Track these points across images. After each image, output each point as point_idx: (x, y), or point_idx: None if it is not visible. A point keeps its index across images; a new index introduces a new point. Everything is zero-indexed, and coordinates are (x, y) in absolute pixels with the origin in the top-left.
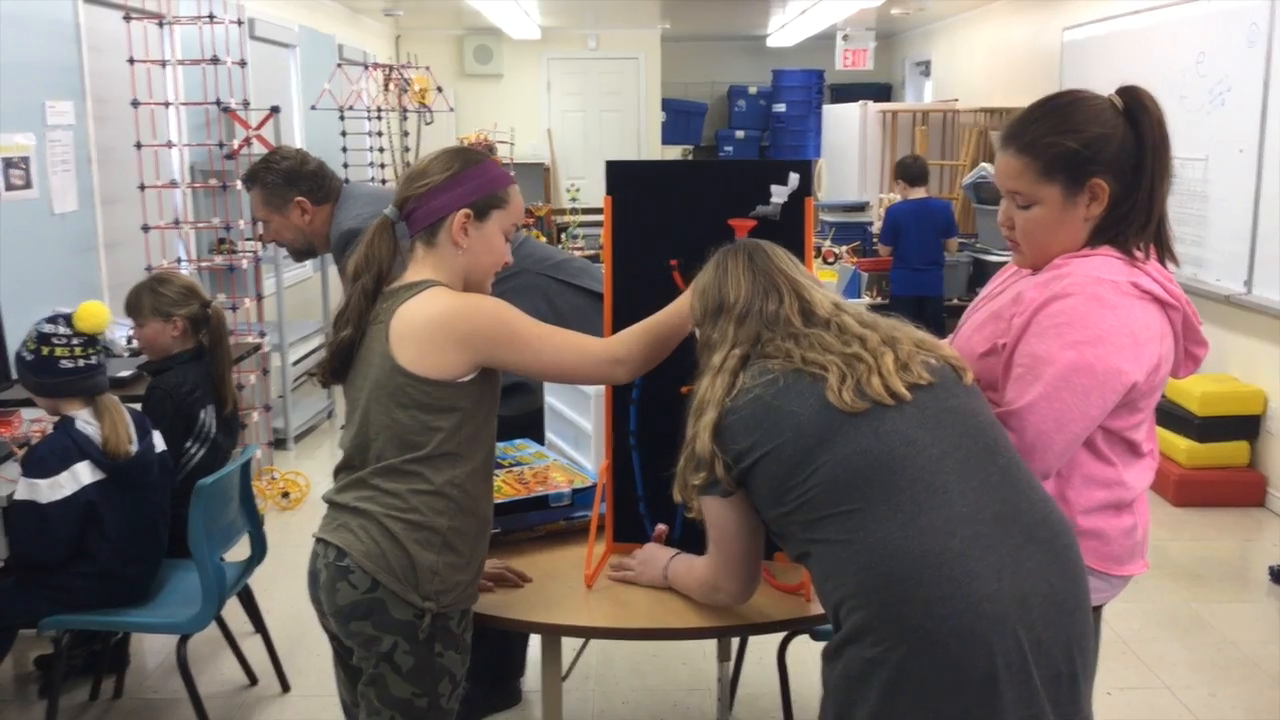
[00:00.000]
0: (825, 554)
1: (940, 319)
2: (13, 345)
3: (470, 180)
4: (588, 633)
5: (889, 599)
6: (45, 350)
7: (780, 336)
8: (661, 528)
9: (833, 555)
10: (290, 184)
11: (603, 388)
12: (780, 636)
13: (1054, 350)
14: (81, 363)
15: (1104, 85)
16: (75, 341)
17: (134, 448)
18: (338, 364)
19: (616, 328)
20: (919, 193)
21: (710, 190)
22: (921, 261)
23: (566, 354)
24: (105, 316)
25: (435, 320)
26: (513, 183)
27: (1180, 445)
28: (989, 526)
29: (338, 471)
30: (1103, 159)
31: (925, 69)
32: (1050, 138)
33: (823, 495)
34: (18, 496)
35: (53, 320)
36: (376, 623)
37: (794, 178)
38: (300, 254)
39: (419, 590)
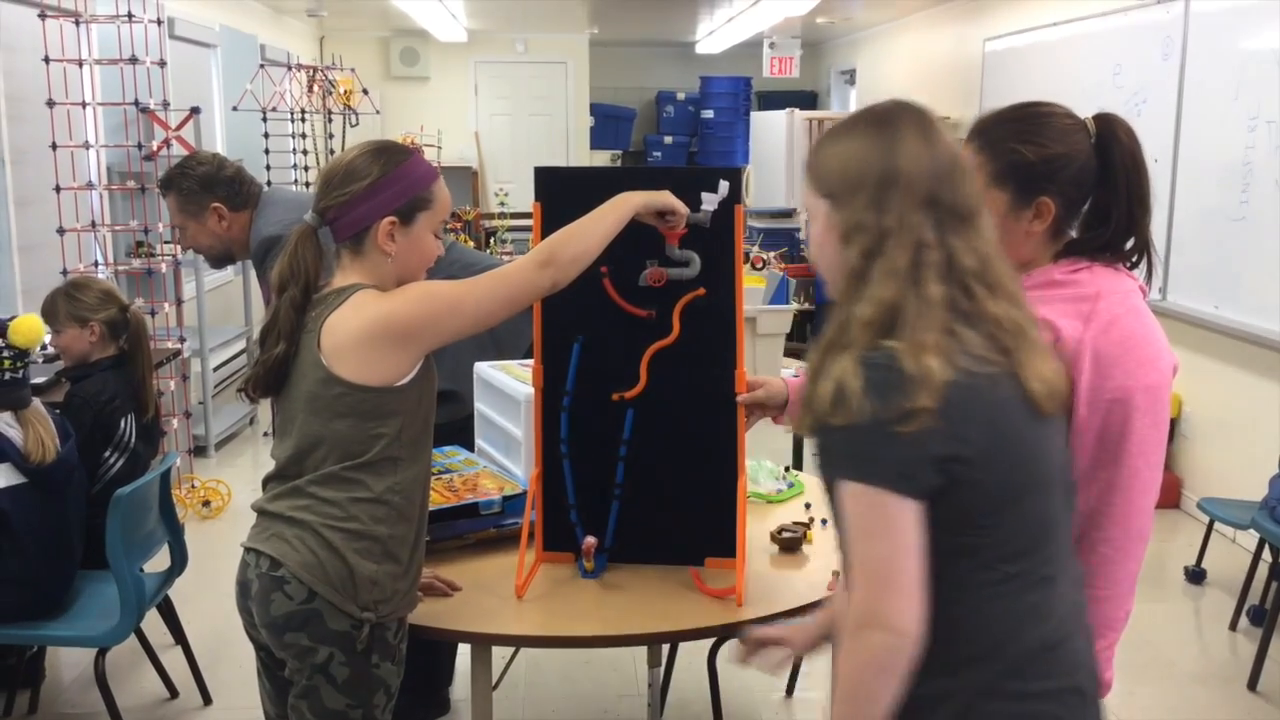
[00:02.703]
0: (984, 601)
1: None
2: None
3: (393, 185)
4: (519, 642)
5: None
6: None
7: (970, 276)
8: (590, 540)
9: (992, 606)
10: (206, 190)
11: (532, 392)
12: (710, 642)
13: (1134, 378)
14: (8, 375)
15: (1024, 94)
16: (5, 354)
17: (56, 453)
18: (271, 379)
19: (546, 337)
20: None
21: None
22: None
23: (498, 289)
24: (40, 331)
25: (369, 327)
26: (437, 178)
27: None
28: (1077, 594)
29: (268, 480)
30: (1058, 179)
31: (850, 78)
32: (1011, 143)
33: (1015, 533)
34: None
35: None
36: (312, 634)
37: (724, 185)
38: (218, 260)
39: (357, 600)
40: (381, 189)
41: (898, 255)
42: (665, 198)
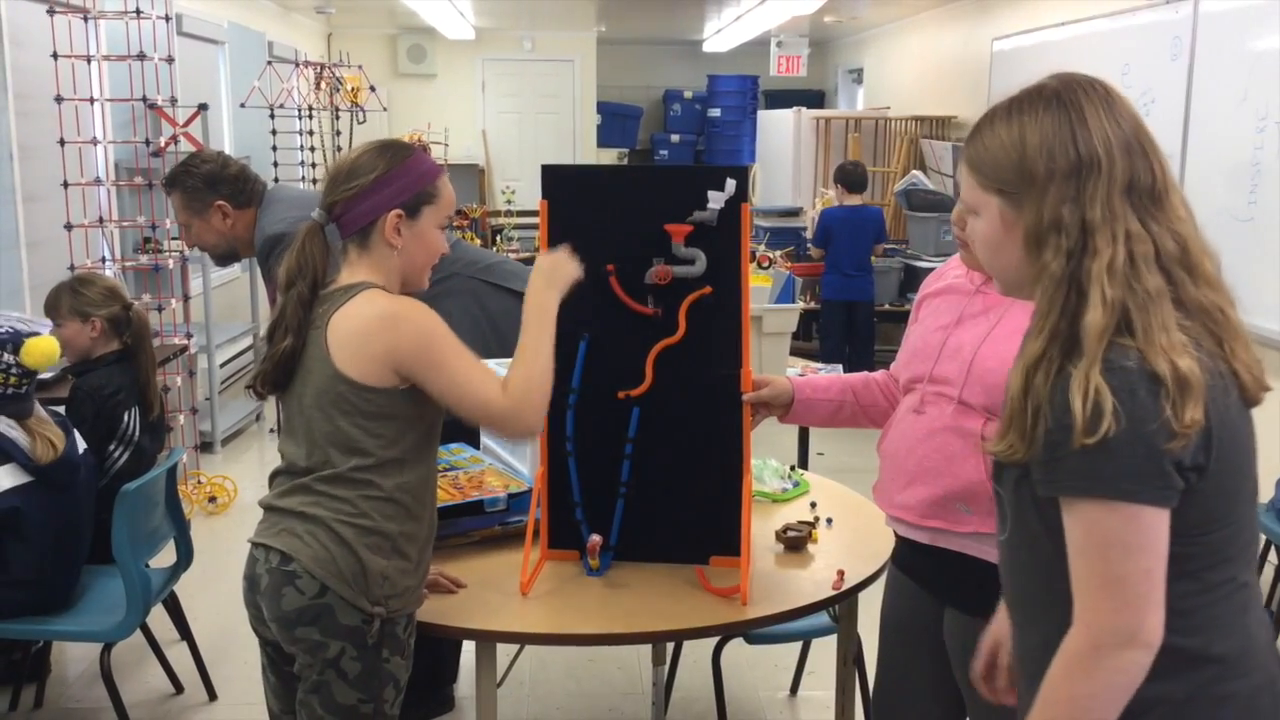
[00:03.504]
0: (1198, 608)
1: (871, 324)
2: None
3: (399, 179)
4: (524, 639)
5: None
6: None
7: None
8: (596, 538)
9: (1207, 612)
10: (211, 188)
11: None
12: (715, 640)
13: None
14: (11, 390)
15: None
16: (14, 372)
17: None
18: (280, 375)
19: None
20: (855, 199)
21: (647, 196)
22: (853, 267)
23: (478, 392)
24: (54, 357)
25: (368, 326)
26: (442, 173)
27: None
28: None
29: (275, 476)
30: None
31: (858, 76)
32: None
33: (1227, 541)
34: None
35: (1, 344)
36: (324, 628)
37: (730, 184)
38: (223, 258)
39: (368, 595)
40: (387, 183)
41: (1111, 251)
42: (569, 274)
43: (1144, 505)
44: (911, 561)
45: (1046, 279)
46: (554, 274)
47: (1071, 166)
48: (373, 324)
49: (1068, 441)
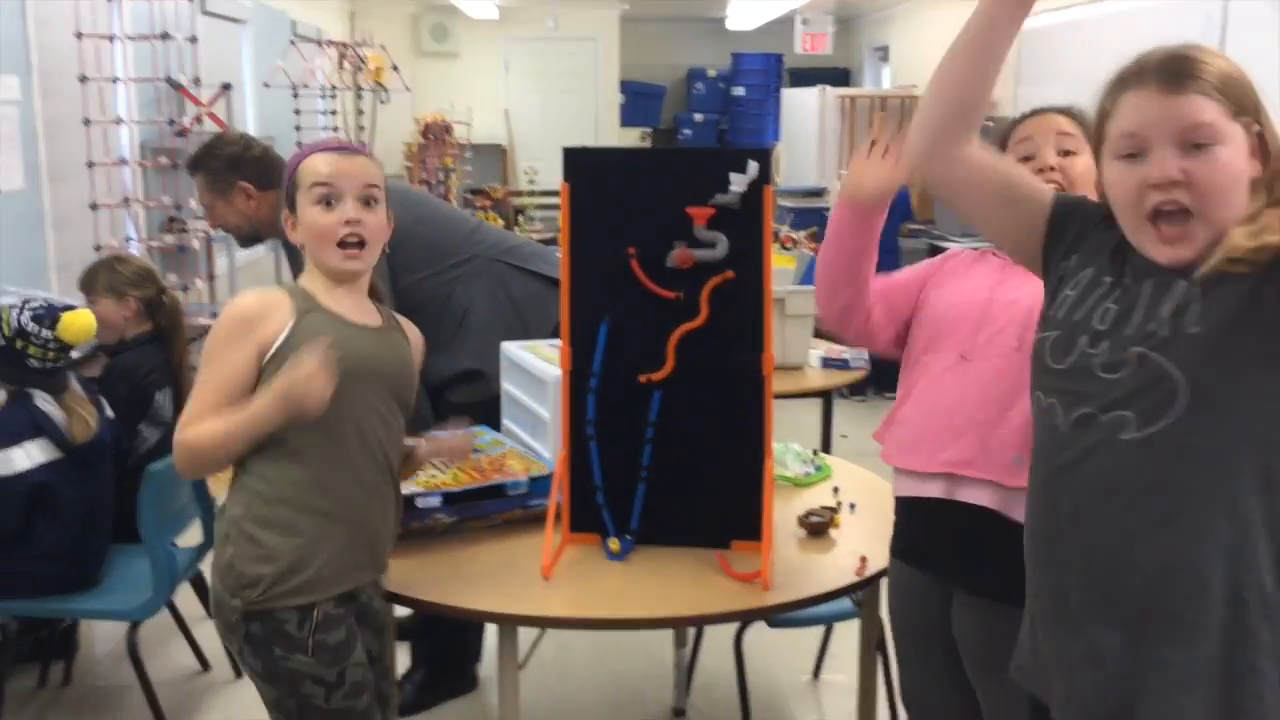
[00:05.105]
0: None
1: None
2: None
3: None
4: (544, 623)
5: None
6: (19, 344)
7: None
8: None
9: None
10: (234, 169)
11: (560, 374)
12: (737, 624)
13: None
14: (49, 365)
15: (1063, 73)
16: (51, 346)
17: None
18: None
19: (573, 317)
20: None
21: (668, 178)
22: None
23: (185, 408)
24: (91, 330)
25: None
26: (303, 157)
27: None
28: None
29: None
30: None
31: (884, 54)
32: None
33: None
34: None
35: (39, 319)
36: (220, 623)
37: (753, 166)
38: (246, 240)
39: (225, 586)
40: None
41: None
42: (309, 402)
43: None
44: (922, 541)
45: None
46: (292, 394)
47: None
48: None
49: None
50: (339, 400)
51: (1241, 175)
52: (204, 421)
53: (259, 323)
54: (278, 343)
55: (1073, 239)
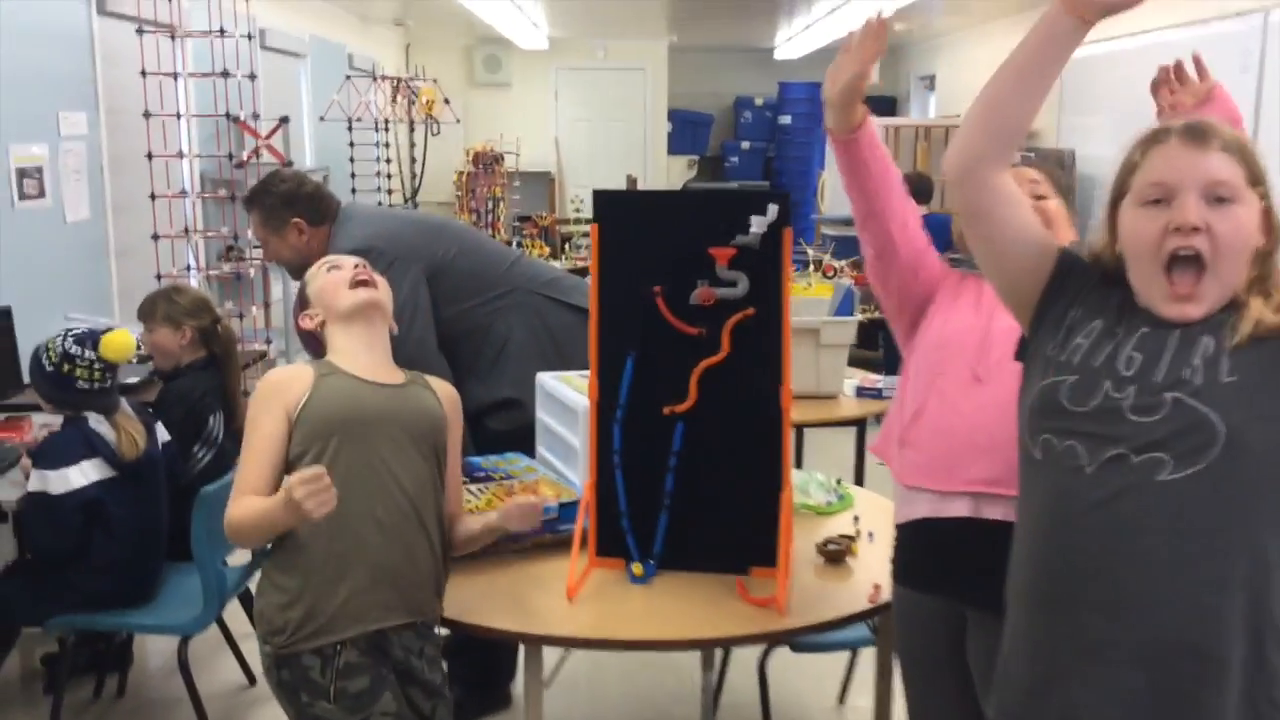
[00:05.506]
0: None
1: None
2: (24, 349)
3: None
4: (569, 642)
5: None
6: (66, 368)
7: None
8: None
9: None
10: (287, 206)
11: (587, 403)
12: (762, 648)
13: None
14: (97, 385)
15: (1104, 103)
16: (97, 366)
17: (144, 449)
18: None
19: (601, 351)
20: (921, 209)
21: (693, 220)
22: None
23: (236, 476)
24: (131, 346)
25: None
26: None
27: None
28: None
29: None
30: None
31: (930, 83)
32: None
33: None
34: (30, 488)
35: (80, 341)
36: (262, 665)
37: (773, 209)
38: (298, 272)
39: (260, 633)
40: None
41: None
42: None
43: None
44: (938, 564)
45: None
46: (296, 511)
47: None
48: None
49: None
50: (354, 448)
51: (1251, 239)
52: (245, 498)
53: (285, 387)
54: (302, 403)
55: (1073, 293)
